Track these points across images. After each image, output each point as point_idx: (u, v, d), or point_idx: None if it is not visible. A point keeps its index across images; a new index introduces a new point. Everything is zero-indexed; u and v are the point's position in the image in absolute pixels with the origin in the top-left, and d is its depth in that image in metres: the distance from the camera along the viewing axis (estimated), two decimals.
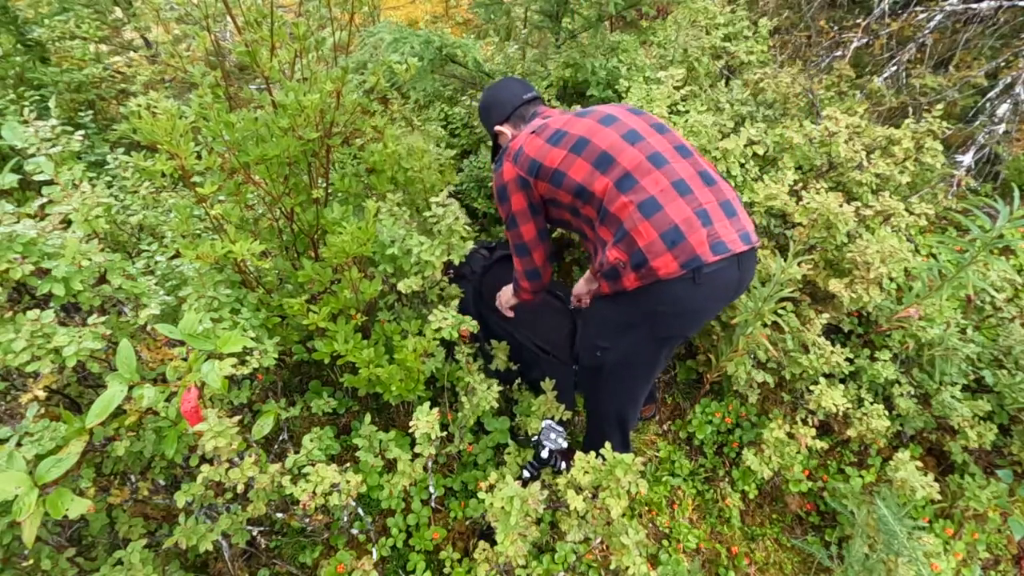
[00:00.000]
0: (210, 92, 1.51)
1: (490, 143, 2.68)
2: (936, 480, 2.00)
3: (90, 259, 1.32)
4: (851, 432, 2.01)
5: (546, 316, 2.20)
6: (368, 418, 1.67)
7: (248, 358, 1.44)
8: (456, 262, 1.78)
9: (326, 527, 1.79)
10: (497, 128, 1.77)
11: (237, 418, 1.31)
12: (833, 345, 2.06)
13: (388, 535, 1.81)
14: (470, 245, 1.81)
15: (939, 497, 1.80)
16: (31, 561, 1.36)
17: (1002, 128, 2.89)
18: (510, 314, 2.10)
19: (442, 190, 1.81)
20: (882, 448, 2.19)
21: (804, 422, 2.00)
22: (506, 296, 2.08)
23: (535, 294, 1.86)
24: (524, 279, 1.80)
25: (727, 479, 2.15)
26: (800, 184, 2.39)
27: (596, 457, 1.46)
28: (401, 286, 1.68)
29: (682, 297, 1.39)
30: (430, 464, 1.79)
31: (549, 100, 2.65)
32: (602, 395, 1.77)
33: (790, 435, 1.96)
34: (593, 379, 1.76)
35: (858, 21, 3.41)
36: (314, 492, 1.37)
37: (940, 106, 2.48)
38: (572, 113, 1.61)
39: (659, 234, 1.33)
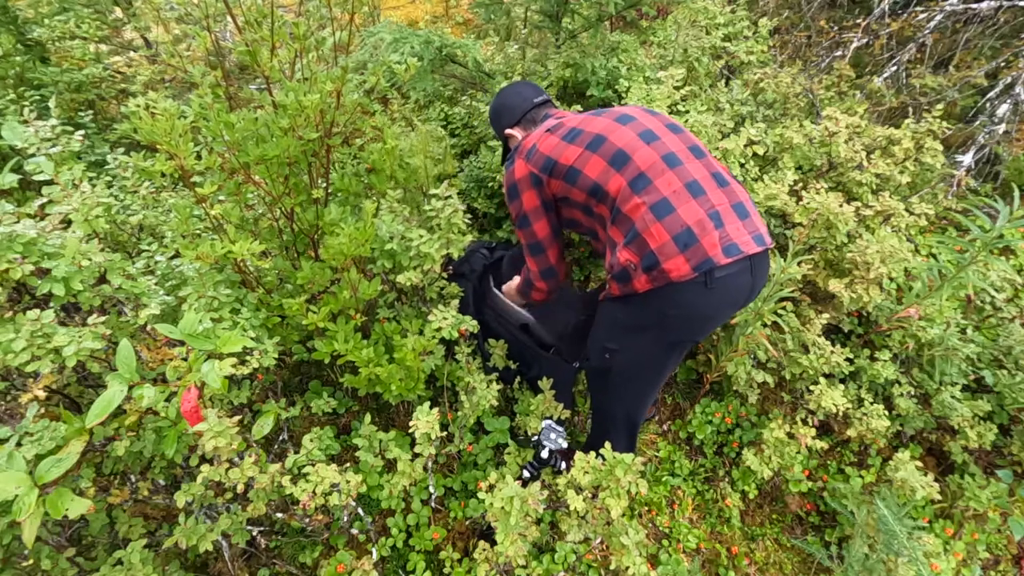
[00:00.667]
0: (210, 92, 1.50)
1: (491, 143, 2.68)
2: (936, 480, 2.00)
3: (90, 259, 1.32)
4: (851, 432, 2.01)
5: (556, 310, 2.19)
6: (368, 418, 1.67)
7: (248, 358, 1.44)
8: (455, 256, 1.78)
9: (326, 527, 1.79)
10: (508, 132, 1.77)
11: (237, 418, 1.31)
12: (833, 345, 2.06)
13: (388, 535, 1.81)
14: (469, 239, 1.80)
15: (939, 497, 1.80)
16: (31, 561, 1.36)
17: (1002, 128, 2.89)
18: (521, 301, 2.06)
19: (441, 183, 1.80)
20: (882, 448, 2.19)
21: (804, 422, 2.00)
22: (511, 293, 2.04)
23: (550, 294, 1.83)
24: (540, 279, 1.76)
25: (727, 479, 2.15)
26: (800, 184, 2.38)
27: (596, 457, 1.46)
28: (401, 279, 1.68)
29: (694, 302, 1.38)
30: (430, 464, 1.79)
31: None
32: (610, 397, 1.76)
33: (790, 435, 1.96)
34: (601, 381, 1.75)
35: (858, 21, 3.41)
36: (314, 492, 1.37)
37: (940, 106, 2.48)
38: (587, 113, 1.60)
39: (671, 236, 1.32)
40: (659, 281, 1.36)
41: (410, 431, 1.52)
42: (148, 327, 1.51)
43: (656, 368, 1.63)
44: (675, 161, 1.40)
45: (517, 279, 2.01)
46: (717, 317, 1.47)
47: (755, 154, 2.34)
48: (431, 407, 1.54)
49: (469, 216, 1.84)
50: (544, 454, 1.67)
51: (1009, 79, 2.96)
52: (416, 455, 1.57)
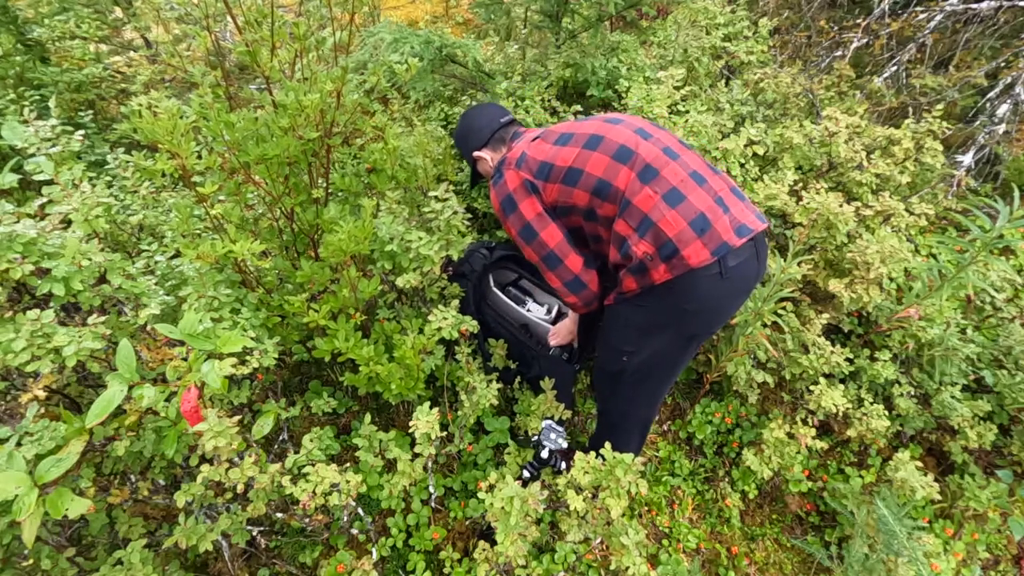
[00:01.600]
0: (210, 92, 1.50)
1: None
2: (936, 480, 2.00)
3: (90, 259, 1.32)
4: (851, 432, 2.01)
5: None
6: (368, 418, 1.67)
7: (248, 358, 1.44)
8: (455, 257, 1.77)
9: (326, 527, 1.79)
10: (476, 154, 1.76)
11: (237, 418, 1.31)
12: (833, 345, 2.06)
13: (388, 535, 1.81)
14: (469, 240, 1.80)
15: (939, 497, 1.80)
16: (31, 561, 1.36)
17: (1002, 128, 2.89)
18: (569, 339, 1.99)
19: (441, 183, 1.80)
20: (882, 448, 2.19)
21: (804, 422, 2.00)
22: (565, 330, 1.97)
23: (589, 305, 1.69)
24: (569, 294, 1.64)
25: (727, 479, 2.15)
26: (800, 184, 2.39)
27: (596, 457, 1.46)
28: (400, 281, 1.68)
29: (711, 294, 1.41)
30: (430, 464, 1.79)
31: (549, 100, 2.65)
32: (622, 398, 1.74)
33: (790, 435, 1.96)
34: (612, 383, 1.73)
35: (858, 21, 3.41)
36: (314, 492, 1.37)
37: (940, 106, 2.48)
38: (570, 120, 1.62)
39: (688, 222, 1.35)
40: (678, 269, 1.37)
41: (410, 431, 1.52)
42: (148, 327, 1.51)
43: (673, 363, 1.63)
44: (673, 154, 1.44)
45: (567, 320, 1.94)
46: (731, 307, 1.50)
47: (755, 154, 2.34)
48: (431, 407, 1.54)
49: (469, 216, 1.84)
50: (544, 454, 1.67)
51: (1009, 79, 2.96)
52: (416, 455, 1.57)
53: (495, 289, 2.19)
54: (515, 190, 1.55)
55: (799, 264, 2.02)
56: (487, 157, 1.75)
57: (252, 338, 1.40)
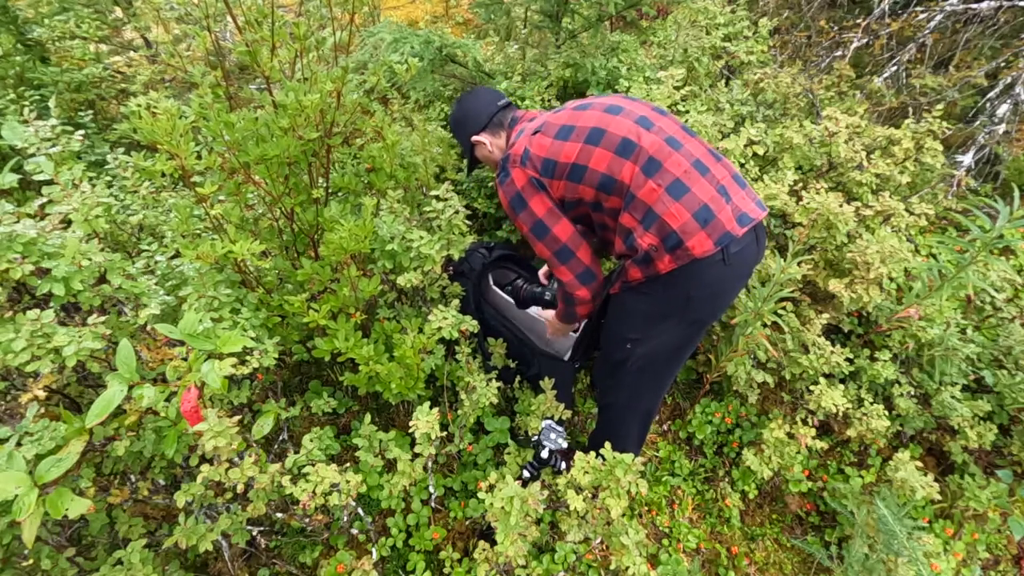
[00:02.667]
0: (210, 92, 1.51)
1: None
2: (936, 480, 2.00)
3: (90, 259, 1.32)
4: (851, 432, 2.01)
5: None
6: (368, 418, 1.67)
7: (248, 358, 1.44)
8: (456, 257, 1.77)
9: (326, 527, 1.79)
10: (475, 138, 1.73)
11: (237, 418, 1.31)
12: (833, 345, 2.06)
13: (388, 535, 1.81)
14: (470, 240, 1.80)
15: (939, 497, 1.80)
16: (31, 561, 1.36)
17: (1002, 128, 2.89)
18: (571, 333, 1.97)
19: (443, 181, 1.80)
20: (882, 448, 2.19)
21: (804, 422, 2.00)
22: (555, 330, 1.97)
23: (595, 300, 1.69)
24: (580, 287, 1.63)
25: (727, 479, 2.15)
26: (800, 184, 2.38)
27: (596, 456, 1.46)
28: (401, 280, 1.68)
29: (715, 280, 1.43)
30: (430, 464, 1.79)
31: (549, 100, 2.64)
32: (625, 390, 1.74)
33: (790, 435, 1.96)
34: (616, 373, 1.71)
35: (858, 21, 3.41)
36: (314, 492, 1.37)
37: (940, 106, 2.48)
38: (568, 108, 1.57)
39: (691, 214, 1.37)
40: (683, 259, 1.39)
41: (410, 431, 1.52)
42: (148, 327, 1.51)
43: (675, 353, 1.63)
44: (676, 143, 1.45)
45: (551, 314, 1.92)
46: (733, 290, 1.53)
47: (755, 154, 2.34)
48: (431, 407, 1.54)
49: (469, 213, 1.83)
50: (544, 454, 1.67)
51: (1009, 79, 2.96)
52: (416, 455, 1.57)
53: (494, 288, 2.19)
54: (523, 188, 1.55)
55: (799, 264, 2.02)
56: (485, 142, 1.72)
57: (252, 338, 1.40)
